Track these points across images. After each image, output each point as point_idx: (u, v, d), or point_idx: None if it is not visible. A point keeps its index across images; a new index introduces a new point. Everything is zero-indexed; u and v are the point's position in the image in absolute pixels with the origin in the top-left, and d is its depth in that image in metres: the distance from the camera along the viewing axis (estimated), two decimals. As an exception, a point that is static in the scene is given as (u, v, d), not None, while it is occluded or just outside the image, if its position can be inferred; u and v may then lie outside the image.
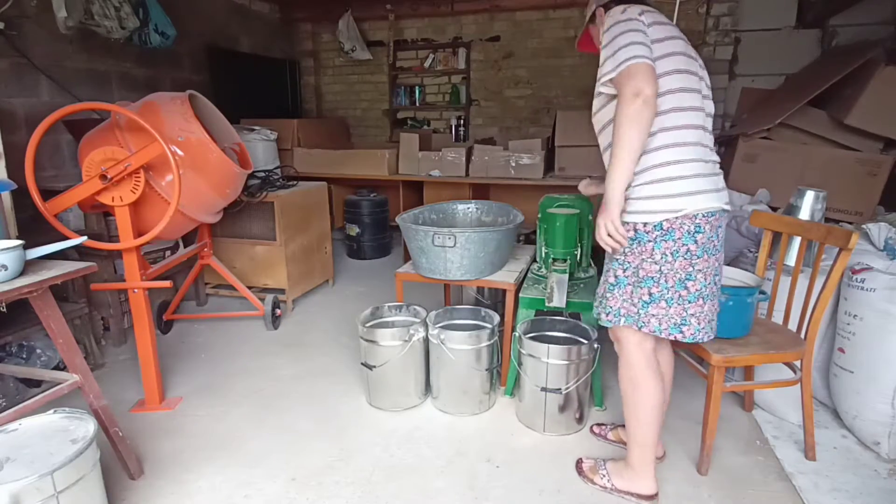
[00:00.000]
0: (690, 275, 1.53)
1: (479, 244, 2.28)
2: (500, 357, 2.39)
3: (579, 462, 1.92)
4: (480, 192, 4.27)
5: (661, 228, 1.51)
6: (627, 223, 1.54)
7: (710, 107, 1.60)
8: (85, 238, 1.90)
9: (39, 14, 2.91)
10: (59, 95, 3.13)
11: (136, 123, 2.10)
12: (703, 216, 1.50)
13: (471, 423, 2.23)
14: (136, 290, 2.24)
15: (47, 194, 2.09)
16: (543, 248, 2.44)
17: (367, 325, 2.40)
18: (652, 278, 1.55)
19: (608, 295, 1.65)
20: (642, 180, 1.51)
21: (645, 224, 1.52)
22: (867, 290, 2.00)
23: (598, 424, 2.14)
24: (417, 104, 5.48)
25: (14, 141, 2.63)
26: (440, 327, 2.32)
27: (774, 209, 3.12)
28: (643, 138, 1.44)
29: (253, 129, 3.91)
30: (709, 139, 1.57)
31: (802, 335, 1.91)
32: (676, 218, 1.49)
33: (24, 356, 2.38)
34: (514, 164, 4.00)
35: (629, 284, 1.59)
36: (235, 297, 3.39)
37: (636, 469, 1.75)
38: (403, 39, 5.36)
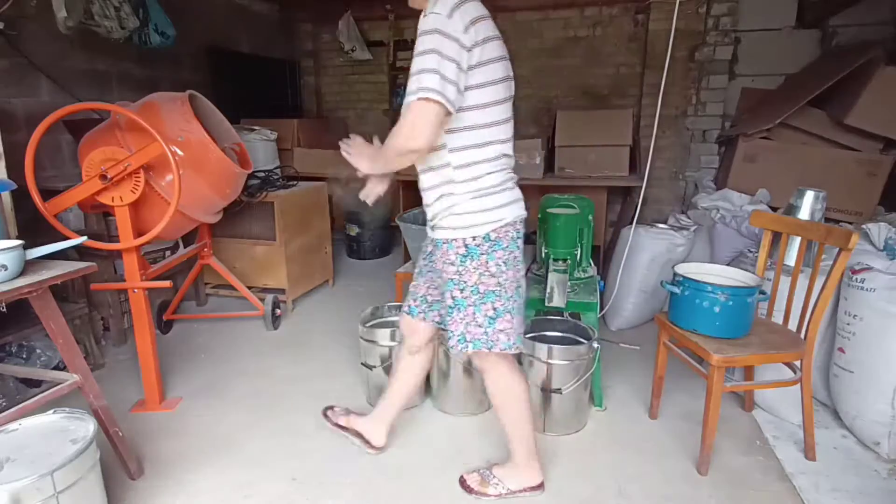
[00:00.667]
0: (519, 282, 1.57)
1: (479, 244, 2.27)
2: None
3: (462, 480, 1.82)
4: (480, 192, 4.25)
5: (489, 239, 1.49)
6: (456, 239, 1.51)
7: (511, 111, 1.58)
8: (85, 238, 1.90)
9: (39, 14, 2.90)
10: (59, 95, 3.13)
11: (136, 123, 2.10)
12: (521, 223, 1.52)
13: (471, 423, 2.23)
14: (136, 290, 2.24)
15: (47, 194, 2.09)
16: (543, 248, 2.44)
17: (367, 325, 2.40)
18: (493, 292, 1.52)
19: (447, 320, 1.61)
20: (463, 197, 1.48)
21: (474, 238, 1.49)
22: (867, 290, 2.00)
23: (329, 408, 2.08)
24: (417, 104, 5.48)
25: (14, 141, 2.63)
26: (440, 327, 2.31)
27: (774, 209, 3.12)
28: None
29: (253, 129, 3.91)
30: (511, 148, 1.56)
31: (802, 335, 1.91)
32: (502, 227, 1.49)
33: (24, 356, 2.38)
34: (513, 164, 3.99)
35: (469, 305, 1.54)
36: (235, 297, 3.39)
37: (523, 465, 1.76)
38: (403, 39, 5.35)
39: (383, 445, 1.95)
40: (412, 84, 1.34)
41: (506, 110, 1.50)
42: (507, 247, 1.51)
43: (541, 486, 1.78)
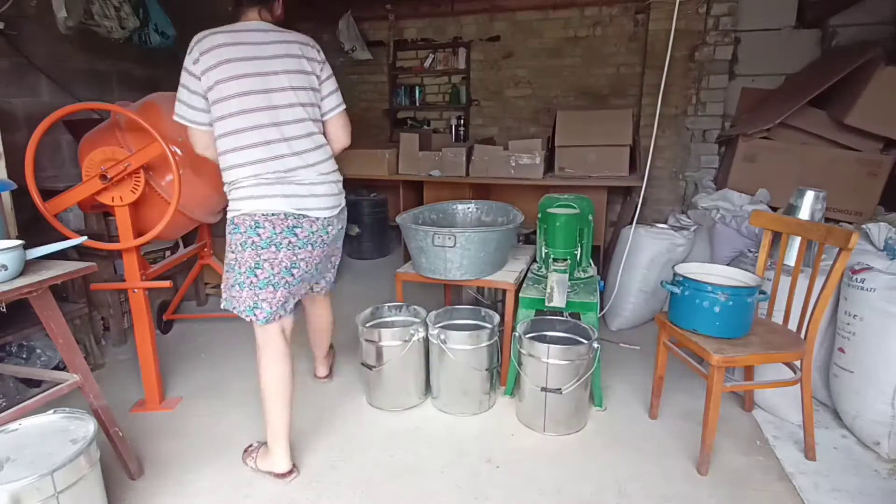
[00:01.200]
0: (258, 264, 1.75)
1: (479, 244, 2.28)
2: (500, 357, 2.39)
3: (248, 447, 2.01)
4: (480, 192, 4.26)
5: (233, 223, 1.77)
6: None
7: (289, 115, 1.76)
8: (85, 238, 1.90)
9: (39, 14, 2.91)
10: (59, 95, 3.13)
11: (136, 123, 2.10)
12: (263, 215, 1.72)
13: (471, 423, 2.23)
14: (136, 290, 2.24)
15: (47, 194, 2.09)
16: (543, 248, 2.44)
17: (367, 325, 2.40)
18: (230, 265, 1.81)
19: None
20: (227, 189, 1.79)
21: (230, 219, 1.79)
22: (867, 290, 2.00)
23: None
24: (417, 104, 5.48)
25: (14, 141, 2.63)
26: (440, 327, 2.32)
27: (774, 209, 3.12)
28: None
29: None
30: (282, 148, 1.75)
31: (802, 335, 1.91)
32: (239, 215, 1.74)
33: (24, 356, 2.38)
34: (514, 164, 4.00)
35: (226, 272, 1.85)
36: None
37: (271, 450, 1.87)
38: (403, 39, 5.35)
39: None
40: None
41: (251, 119, 1.72)
42: (244, 232, 1.75)
43: (287, 475, 1.86)
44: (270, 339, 1.84)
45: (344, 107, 1.96)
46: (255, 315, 1.79)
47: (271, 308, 1.79)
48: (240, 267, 1.77)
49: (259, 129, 1.71)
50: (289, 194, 1.74)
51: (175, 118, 1.78)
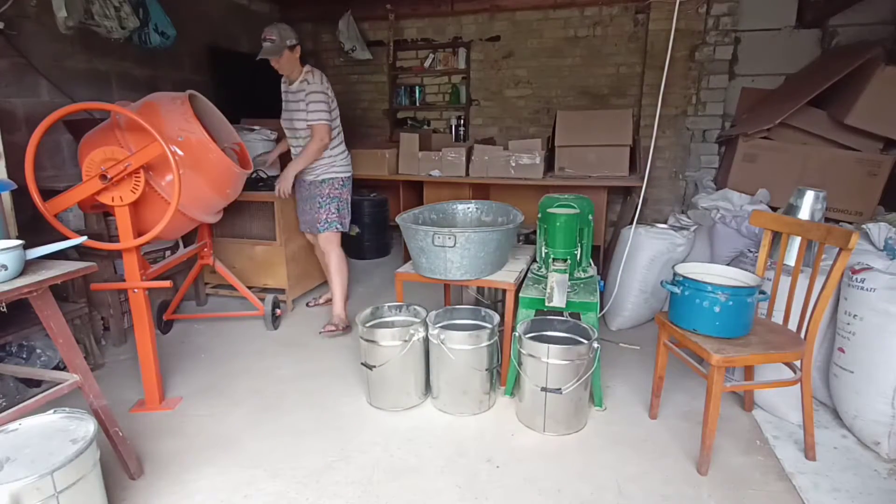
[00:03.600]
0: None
1: (479, 244, 2.28)
2: (500, 357, 2.39)
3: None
4: (480, 192, 4.26)
5: (342, 179, 3.14)
6: (329, 179, 3.09)
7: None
8: (85, 238, 1.91)
9: (39, 14, 2.91)
10: (59, 95, 3.13)
11: (136, 123, 2.10)
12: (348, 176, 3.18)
13: (471, 423, 2.23)
14: (136, 290, 2.24)
15: (47, 194, 2.09)
16: (543, 248, 2.44)
17: (367, 325, 2.40)
18: (346, 202, 3.19)
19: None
20: (332, 159, 3.08)
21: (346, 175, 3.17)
22: (867, 290, 2.00)
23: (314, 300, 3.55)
24: (417, 104, 5.48)
25: (14, 141, 2.63)
26: (440, 327, 2.32)
27: (774, 209, 3.12)
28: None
29: (253, 129, 3.90)
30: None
31: (802, 335, 1.91)
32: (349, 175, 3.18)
33: (24, 356, 2.38)
34: (514, 164, 4.00)
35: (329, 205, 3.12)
36: (235, 297, 3.39)
37: (340, 305, 3.18)
38: (403, 39, 5.35)
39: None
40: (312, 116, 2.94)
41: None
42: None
43: (348, 328, 3.14)
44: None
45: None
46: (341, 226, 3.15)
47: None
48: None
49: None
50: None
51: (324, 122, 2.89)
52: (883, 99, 3.01)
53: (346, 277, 3.15)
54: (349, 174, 3.13)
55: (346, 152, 3.12)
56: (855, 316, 2.03)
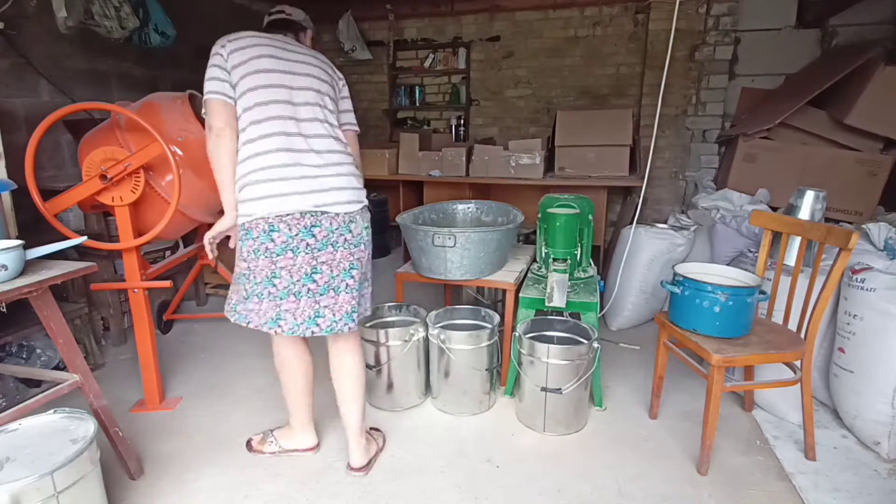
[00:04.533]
0: (275, 273, 1.64)
1: (479, 244, 2.28)
2: (500, 357, 2.39)
3: (248, 442, 2.06)
4: (480, 192, 4.26)
5: (244, 228, 1.65)
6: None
7: (307, 112, 1.70)
8: (85, 238, 1.90)
9: (39, 14, 2.91)
10: (59, 95, 3.13)
11: (136, 123, 2.10)
12: (277, 217, 1.61)
13: (471, 423, 2.23)
14: (136, 290, 2.24)
15: (47, 194, 2.09)
16: (543, 248, 2.44)
17: (367, 325, 2.40)
18: (244, 275, 1.69)
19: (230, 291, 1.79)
20: (238, 187, 1.66)
21: (241, 225, 1.66)
22: (867, 290, 2.00)
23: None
24: (417, 104, 5.47)
25: (14, 141, 2.63)
26: (440, 327, 2.32)
27: (774, 209, 3.13)
28: (228, 164, 1.64)
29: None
30: (300, 142, 1.66)
31: (802, 335, 1.91)
32: (252, 220, 1.62)
33: (24, 356, 2.38)
34: (514, 164, 4.00)
35: (236, 283, 1.74)
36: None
37: (296, 429, 2.00)
38: (403, 39, 5.35)
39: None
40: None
41: (270, 110, 1.65)
42: (256, 238, 1.63)
43: (315, 448, 2.02)
44: (286, 340, 1.86)
45: (357, 130, 1.96)
46: (279, 327, 1.68)
47: (296, 319, 1.68)
48: (255, 277, 1.66)
49: (278, 120, 1.64)
50: (304, 191, 1.62)
51: (204, 99, 1.67)
52: (883, 99, 3.01)
53: (290, 386, 1.98)
54: (252, 216, 1.65)
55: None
56: (855, 316, 2.03)
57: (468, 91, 5.26)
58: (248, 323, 1.70)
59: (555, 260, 2.38)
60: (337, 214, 1.67)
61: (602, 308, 2.98)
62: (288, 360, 1.90)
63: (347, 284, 1.72)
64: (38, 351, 2.40)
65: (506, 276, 2.40)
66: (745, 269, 2.08)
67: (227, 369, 2.69)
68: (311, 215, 1.63)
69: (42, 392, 1.64)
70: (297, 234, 1.62)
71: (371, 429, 2.09)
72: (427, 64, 5.32)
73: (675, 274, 1.99)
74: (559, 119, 4.03)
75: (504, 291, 2.45)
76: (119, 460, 1.84)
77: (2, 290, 1.47)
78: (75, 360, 1.70)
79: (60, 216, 2.11)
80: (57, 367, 2.36)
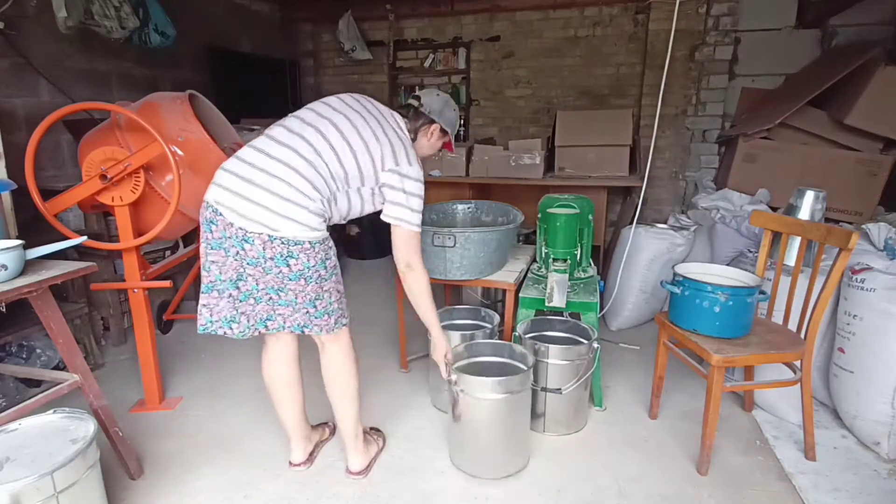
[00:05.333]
0: (204, 265, 1.62)
1: (479, 244, 2.28)
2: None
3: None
4: (480, 192, 4.26)
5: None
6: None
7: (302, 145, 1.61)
8: (85, 238, 1.90)
9: (39, 14, 2.91)
10: (59, 95, 3.13)
11: (136, 123, 2.10)
12: (204, 202, 1.59)
13: (471, 423, 2.22)
14: (135, 290, 2.24)
15: (47, 194, 2.09)
16: (543, 248, 2.44)
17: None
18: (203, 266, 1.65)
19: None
20: None
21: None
22: (867, 290, 2.00)
23: None
24: (417, 104, 5.47)
25: (14, 141, 2.63)
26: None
27: (774, 209, 3.12)
28: (426, 295, 1.79)
29: (253, 129, 3.90)
30: (261, 158, 1.58)
31: (802, 335, 1.91)
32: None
33: (24, 356, 2.38)
34: (514, 164, 4.00)
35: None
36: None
37: (290, 440, 1.94)
38: (403, 39, 5.35)
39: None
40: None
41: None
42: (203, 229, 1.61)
43: (299, 465, 1.92)
44: (264, 350, 1.84)
45: (400, 226, 1.72)
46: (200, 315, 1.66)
47: (212, 316, 1.64)
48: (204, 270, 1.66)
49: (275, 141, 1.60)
50: (219, 184, 1.58)
51: (416, 228, 1.73)
52: (883, 99, 3.01)
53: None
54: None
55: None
56: (855, 316, 2.03)
57: (468, 91, 5.26)
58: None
59: (555, 260, 2.38)
60: (230, 224, 1.54)
61: (602, 308, 2.98)
62: (264, 365, 1.87)
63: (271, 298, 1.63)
64: (38, 351, 2.40)
65: (506, 276, 2.40)
66: (745, 270, 2.08)
67: (227, 369, 2.69)
68: (212, 210, 1.58)
69: (42, 392, 1.64)
70: (201, 224, 1.62)
71: (371, 429, 2.09)
72: (427, 64, 5.32)
73: (674, 274, 1.99)
74: (559, 119, 4.03)
75: (504, 291, 2.45)
76: (119, 460, 1.84)
77: (2, 290, 1.47)
78: (75, 360, 1.70)
79: (60, 216, 2.11)
80: (57, 367, 2.36)
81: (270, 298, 1.62)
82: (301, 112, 1.70)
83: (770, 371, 2.13)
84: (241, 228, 1.54)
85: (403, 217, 1.69)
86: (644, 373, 2.55)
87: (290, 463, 1.94)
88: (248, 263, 1.57)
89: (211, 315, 1.65)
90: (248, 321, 1.66)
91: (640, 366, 2.67)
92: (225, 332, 1.65)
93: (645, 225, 3.12)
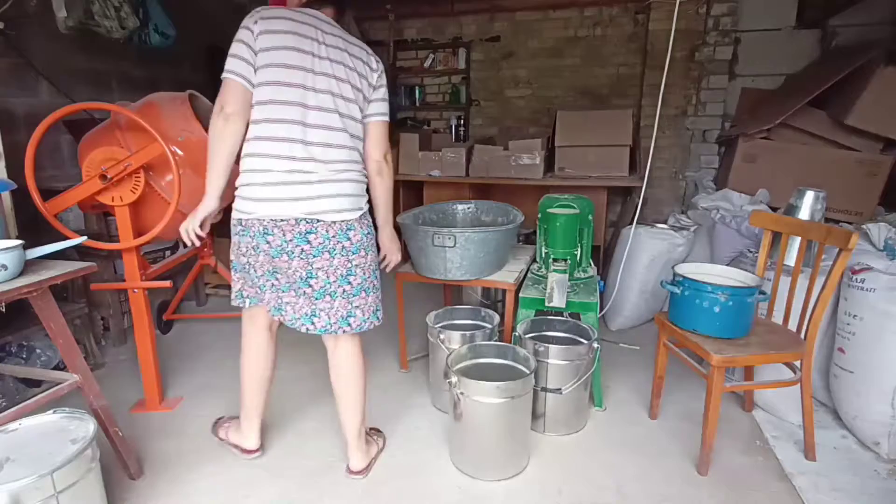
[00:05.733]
0: (276, 269, 1.68)
1: (479, 244, 2.28)
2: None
3: (217, 421, 2.14)
4: (480, 192, 4.26)
5: (241, 224, 1.67)
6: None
7: (317, 118, 1.64)
8: (85, 238, 1.90)
9: (39, 14, 2.90)
10: (59, 96, 3.13)
11: (136, 123, 2.10)
12: (272, 221, 1.62)
13: (471, 423, 2.22)
14: (135, 290, 2.24)
15: (47, 194, 2.09)
16: (543, 248, 2.44)
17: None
18: (244, 269, 1.74)
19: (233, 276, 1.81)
20: (239, 181, 1.67)
21: (236, 219, 1.69)
22: (867, 290, 2.00)
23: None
24: (417, 104, 5.47)
25: (14, 141, 2.63)
26: (440, 327, 2.32)
27: (774, 209, 3.12)
28: (226, 151, 1.62)
29: (253, 129, 3.88)
30: (300, 150, 1.61)
31: (802, 335, 1.91)
32: (249, 219, 1.64)
33: (24, 356, 2.38)
34: (514, 164, 4.00)
35: (237, 270, 1.78)
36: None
37: (242, 424, 1.99)
38: (403, 39, 5.35)
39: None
40: None
41: (281, 111, 1.61)
42: (253, 236, 1.66)
43: (252, 452, 1.98)
44: (255, 330, 1.89)
45: (386, 120, 1.83)
46: (282, 315, 1.74)
47: (295, 314, 1.73)
48: (257, 270, 1.71)
49: (286, 124, 1.60)
50: (298, 197, 1.61)
51: (224, 75, 1.61)
52: (883, 99, 3.00)
53: (244, 380, 2.01)
54: (251, 214, 1.66)
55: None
56: (855, 316, 2.03)
57: (468, 91, 5.26)
58: (260, 302, 1.76)
59: (555, 260, 2.38)
60: (333, 222, 1.65)
61: (602, 308, 2.98)
62: (251, 347, 1.92)
63: (344, 290, 1.71)
64: (38, 351, 2.40)
65: (506, 276, 2.40)
66: (745, 270, 2.08)
67: (228, 369, 2.69)
68: (306, 222, 1.63)
69: (42, 392, 1.64)
70: (291, 240, 1.63)
71: (371, 429, 2.08)
72: (427, 64, 5.32)
73: (674, 274, 1.99)
74: (559, 119, 4.03)
75: (504, 291, 2.45)
76: (119, 460, 1.84)
77: (2, 290, 1.47)
78: (75, 360, 1.70)
79: (60, 216, 2.11)
80: (57, 367, 2.35)
81: (344, 290, 1.73)
82: None
83: (770, 371, 2.13)
84: (343, 222, 1.69)
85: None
86: (644, 373, 2.55)
87: (248, 451, 1.98)
88: (352, 253, 1.72)
89: (295, 312, 1.72)
90: (329, 318, 1.73)
91: (640, 366, 2.67)
92: (307, 329, 1.73)
93: (645, 225, 3.12)
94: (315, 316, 1.70)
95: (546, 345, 2.07)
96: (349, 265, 1.70)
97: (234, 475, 1.91)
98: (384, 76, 1.82)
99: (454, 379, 1.84)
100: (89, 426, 1.53)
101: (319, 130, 1.64)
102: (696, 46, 4.20)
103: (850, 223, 2.96)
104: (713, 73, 4.25)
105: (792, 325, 1.99)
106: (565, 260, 2.37)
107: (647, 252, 2.99)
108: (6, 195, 2.25)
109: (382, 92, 1.82)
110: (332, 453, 2.02)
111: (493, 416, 1.82)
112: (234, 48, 1.61)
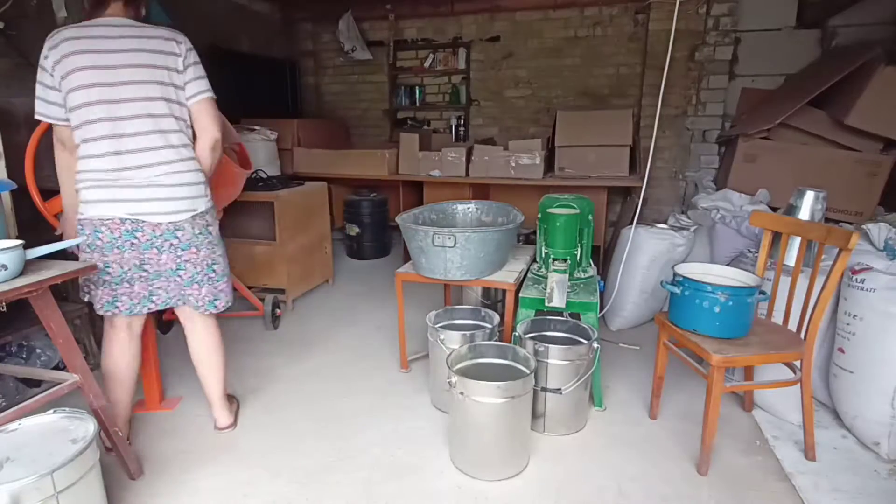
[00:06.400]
0: (107, 265, 1.80)
1: (479, 244, 2.28)
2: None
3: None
4: (480, 192, 4.27)
5: (80, 224, 1.79)
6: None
7: (132, 126, 1.74)
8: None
9: (39, 14, 2.90)
10: (59, 95, 3.12)
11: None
12: (100, 220, 1.75)
13: (471, 423, 2.22)
14: (135, 290, 2.23)
15: (47, 194, 2.09)
16: (543, 248, 2.44)
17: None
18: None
19: None
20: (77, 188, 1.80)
21: (78, 221, 1.81)
22: (867, 290, 2.00)
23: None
24: (417, 104, 5.48)
25: (14, 141, 2.63)
26: (440, 327, 2.32)
27: (774, 209, 3.12)
28: (64, 173, 1.83)
29: (253, 129, 3.91)
30: (128, 159, 1.74)
31: (802, 335, 1.91)
32: (82, 219, 1.78)
33: (24, 356, 2.38)
34: (514, 164, 4.00)
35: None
36: (235, 297, 3.39)
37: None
38: (403, 39, 5.35)
39: (227, 424, 2.16)
40: None
41: (91, 112, 1.71)
42: (88, 234, 1.78)
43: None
44: (115, 331, 1.95)
45: (209, 94, 1.86)
46: (117, 308, 1.86)
47: (132, 300, 1.87)
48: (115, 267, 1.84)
49: (97, 123, 1.70)
50: (122, 199, 1.74)
51: (36, 117, 1.75)
52: (883, 99, 3.01)
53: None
54: (82, 216, 1.80)
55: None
56: (855, 316, 2.03)
57: (468, 91, 5.27)
58: (99, 308, 1.87)
59: (555, 260, 2.38)
60: (159, 224, 1.78)
61: (602, 308, 2.98)
62: (108, 349, 1.97)
63: (175, 281, 1.88)
64: (38, 351, 2.40)
65: (506, 276, 2.40)
66: (745, 270, 2.08)
67: (227, 369, 2.68)
68: (131, 222, 1.76)
69: (42, 392, 1.64)
70: (119, 236, 1.77)
71: (227, 394, 2.23)
72: (427, 64, 5.33)
73: (674, 274, 1.99)
74: (559, 119, 4.03)
75: (504, 291, 2.45)
76: (119, 460, 1.84)
77: (2, 290, 1.47)
78: (75, 360, 1.70)
79: (60, 216, 2.11)
80: (57, 367, 2.35)
81: (181, 277, 1.90)
82: None
83: (770, 371, 2.13)
84: (169, 223, 1.84)
85: None
86: (644, 373, 2.55)
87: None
88: (181, 250, 1.88)
89: (131, 299, 1.88)
90: (168, 294, 1.92)
91: (640, 366, 2.67)
92: (149, 308, 1.91)
93: (645, 225, 3.12)
94: (154, 295, 1.89)
95: (546, 345, 2.07)
96: (179, 261, 1.86)
97: (234, 475, 1.91)
98: (192, 53, 1.85)
99: (454, 379, 1.84)
100: (89, 426, 1.53)
101: (135, 138, 1.73)
102: (696, 46, 4.20)
103: (850, 223, 2.96)
104: (713, 73, 4.25)
105: (792, 325, 1.99)
106: (565, 260, 2.37)
107: (647, 252, 2.99)
108: (6, 195, 2.25)
109: (192, 71, 1.83)
110: (333, 453, 2.02)
111: (493, 416, 1.81)
112: (37, 89, 1.73)
